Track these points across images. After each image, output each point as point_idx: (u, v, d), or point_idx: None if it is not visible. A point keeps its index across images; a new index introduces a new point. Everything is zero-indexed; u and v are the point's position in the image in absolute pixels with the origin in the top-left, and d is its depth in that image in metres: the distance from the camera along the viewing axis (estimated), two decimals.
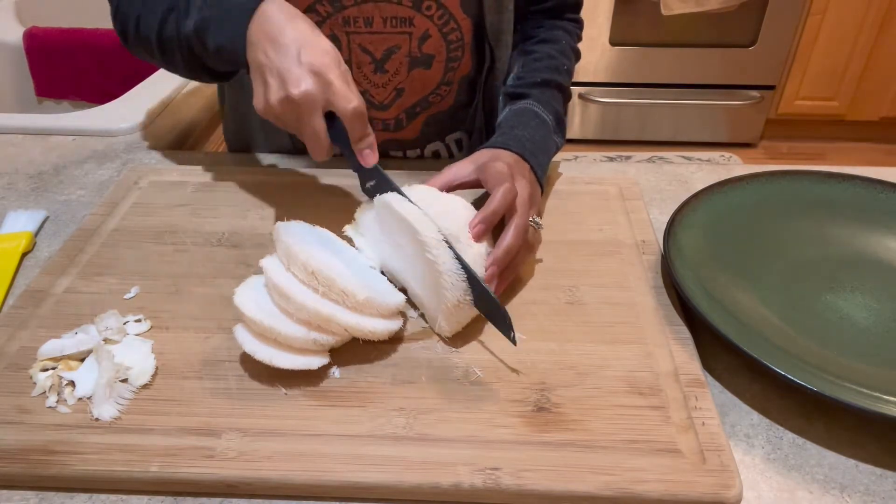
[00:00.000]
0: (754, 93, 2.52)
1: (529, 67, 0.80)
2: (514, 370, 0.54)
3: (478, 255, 0.57)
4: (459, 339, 0.57)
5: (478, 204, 0.61)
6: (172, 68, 0.75)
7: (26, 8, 1.48)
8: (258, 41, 0.60)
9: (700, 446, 0.47)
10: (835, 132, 2.65)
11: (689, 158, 2.55)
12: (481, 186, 0.64)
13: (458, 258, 0.55)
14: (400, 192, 0.60)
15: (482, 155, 0.67)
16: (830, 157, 2.62)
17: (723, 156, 2.61)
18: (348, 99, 0.57)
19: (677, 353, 0.55)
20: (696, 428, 0.49)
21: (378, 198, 0.60)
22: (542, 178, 0.70)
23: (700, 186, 0.71)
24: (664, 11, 2.31)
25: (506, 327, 0.54)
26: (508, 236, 0.59)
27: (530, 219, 0.62)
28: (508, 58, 0.83)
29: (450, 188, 0.65)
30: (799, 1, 2.31)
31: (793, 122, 2.62)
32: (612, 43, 2.44)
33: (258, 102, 0.61)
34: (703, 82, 2.52)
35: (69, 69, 1.36)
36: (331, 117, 0.60)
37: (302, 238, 0.57)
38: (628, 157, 2.57)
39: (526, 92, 0.78)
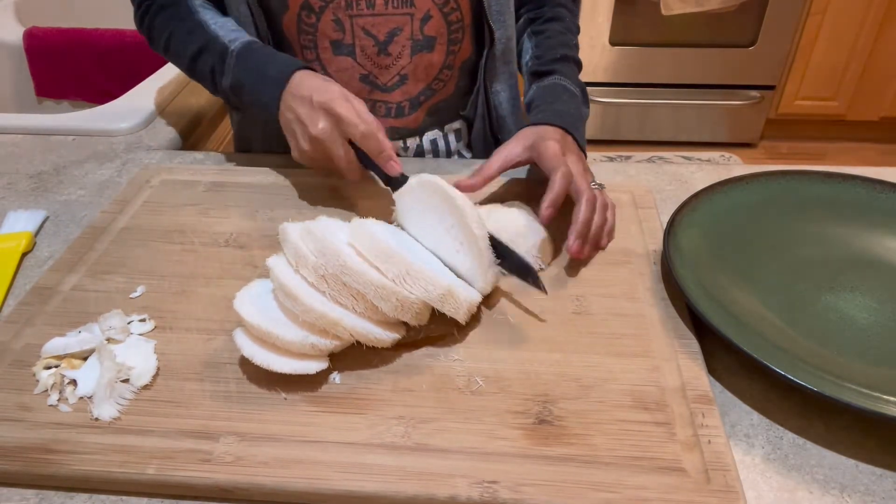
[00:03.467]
0: (754, 93, 2.52)
1: (545, 45, 0.84)
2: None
3: (532, 247, 0.64)
4: (463, 346, 0.57)
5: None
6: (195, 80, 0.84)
7: (26, 8, 1.48)
8: (287, 103, 0.71)
9: (705, 465, 0.46)
10: (835, 132, 2.65)
11: (689, 158, 2.55)
12: (529, 163, 0.70)
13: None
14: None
15: (528, 134, 0.71)
16: (830, 157, 2.62)
17: (723, 156, 2.61)
18: (355, 125, 0.67)
19: (685, 368, 0.54)
20: (702, 446, 0.48)
21: (416, 178, 0.64)
22: (584, 148, 0.75)
23: (700, 186, 0.71)
24: (664, 11, 2.31)
25: (533, 279, 0.59)
26: (582, 210, 0.64)
27: (591, 184, 0.67)
28: (509, 40, 0.84)
29: (504, 170, 0.70)
30: (799, 1, 2.31)
31: (793, 122, 2.62)
32: (612, 43, 2.44)
33: (294, 153, 0.73)
34: (703, 82, 2.52)
35: (69, 69, 1.36)
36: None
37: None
38: (628, 157, 2.57)
39: (551, 68, 0.82)
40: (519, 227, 0.65)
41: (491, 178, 0.69)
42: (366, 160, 0.70)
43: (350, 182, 0.72)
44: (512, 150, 0.70)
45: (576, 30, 0.89)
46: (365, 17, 0.77)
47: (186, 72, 0.83)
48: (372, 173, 0.71)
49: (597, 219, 0.66)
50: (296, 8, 0.77)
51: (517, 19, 0.88)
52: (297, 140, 0.71)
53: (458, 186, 0.66)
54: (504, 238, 0.63)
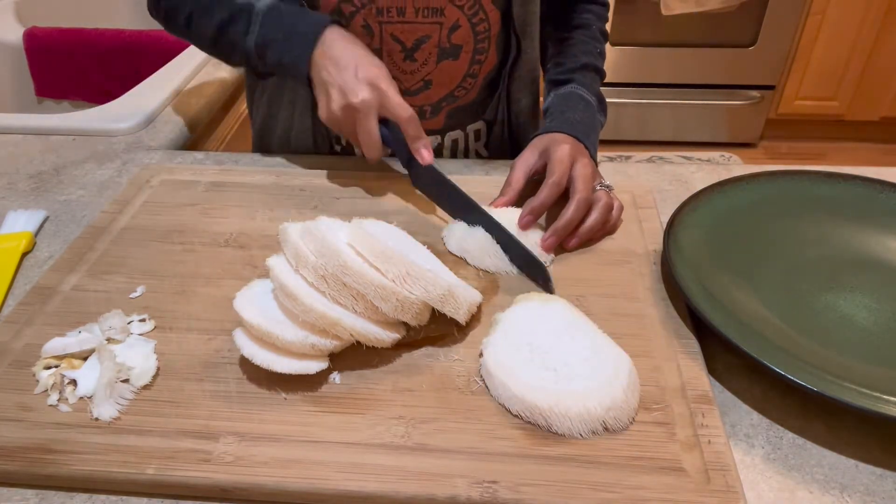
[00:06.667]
0: (754, 93, 2.52)
1: (567, 53, 0.86)
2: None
3: (533, 245, 0.65)
4: (463, 346, 0.57)
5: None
6: (215, 56, 0.84)
7: (26, 8, 1.48)
8: (322, 62, 0.71)
9: (705, 465, 0.46)
10: (835, 132, 2.65)
11: (689, 158, 2.55)
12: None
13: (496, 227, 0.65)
14: (453, 187, 0.69)
15: (541, 141, 0.73)
16: (830, 157, 2.62)
17: (723, 156, 2.61)
18: (404, 107, 0.69)
19: (685, 368, 0.54)
20: (702, 446, 0.48)
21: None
22: (595, 156, 0.76)
23: (700, 186, 0.71)
24: (664, 11, 2.31)
25: (542, 277, 0.62)
26: (569, 211, 0.66)
27: (598, 184, 0.69)
28: (534, 50, 0.85)
29: (528, 179, 0.72)
30: (799, 1, 2.31)
31: (793, 122, 2.62)
32: (612, 43, 2.43)
33: (322, 112, 0.72)
34: (703, 82, 2.52)
35: (69, 69, 1.36)
36: (382, 122, 0.70)
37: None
38: (628, 157, 2.57)
39: (569, 77, 0.83)
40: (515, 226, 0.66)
41: (520, 190, 0.71)
42: (390, 141, 0.71)
43: (367, 159, 0.72)
44: (528, 158, 0.72)
45: (602, 37, 0.89)
46: (395, 24, 0.78)
47: (209, 45, 0.81)
48: (393, 154, 0.74)
49: (594, 218, 0.67)
50: (327, 11, 0.77)
51: (543, 26, 0.88)
52: (329, 102, 0.71)
53: (496, 205, 0.70)
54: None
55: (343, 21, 0.77)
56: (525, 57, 0.84)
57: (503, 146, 0.91)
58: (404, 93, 0.84)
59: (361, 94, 0.68)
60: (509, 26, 0.82)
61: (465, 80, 0.85)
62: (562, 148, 0.69)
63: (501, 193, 0.71)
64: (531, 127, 0.92)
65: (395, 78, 0.82)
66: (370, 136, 0.70)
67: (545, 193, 0.67)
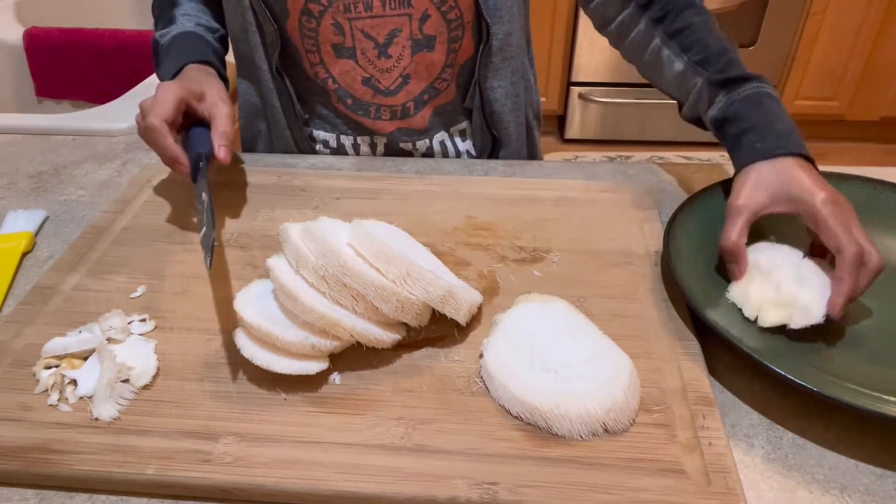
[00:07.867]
0: None
1: (702, 44, 0.72)
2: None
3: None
4: (464, 347, 0.57)
5: None
6: None
7: (26, 8, 1.48)
8: None
9: (706, 467, 0.46)
10: (835, 132, 2.65)
11: (689, 158, 2.55)
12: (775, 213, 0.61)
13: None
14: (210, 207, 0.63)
15: (771, 178, 0.61)
16: (830, 157, 2.62)
17: (723, 156, 2.60)
18: (143, 118, 0.69)
19: (686, 369, 0.54)
20: (703, 448, 0.47)
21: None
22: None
23: (700, 186, 0.71)
24: None
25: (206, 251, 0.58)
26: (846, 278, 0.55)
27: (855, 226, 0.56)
28: (507, 35, 0.82)
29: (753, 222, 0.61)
30: (799, 1, 2.31)
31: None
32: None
33: None
34: None
35: (69, 69, 1.36)
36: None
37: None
38: (628, 158, 2.57)
39: (738, 74, 0.69)
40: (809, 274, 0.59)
41: (743, 245, 0.60)
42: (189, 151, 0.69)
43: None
44: (756, 200, 0.60)
45: (705, 9, 0.76)
46: (363, 20, 0.77)
47: None
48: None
49: (862, 281, 0.56)
50: (296, 13, 0.77)
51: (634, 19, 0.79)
52: None
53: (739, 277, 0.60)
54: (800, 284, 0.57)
55: (313, 21, 0.77)
56: (496, 43, 0.81)
57: (483, 138, 0.89)
58: (383, 93, 0.83)
59: (142, 119, 0.69)
60: (482, 12, 0.79)
61: (444, 72, 0.84)
62: (823, 208, 0.57)
63: (731, 260, 0.60)
64: (511, 119, 0.88)
65: (372, 78, 0.82)
66: (165, 151, 0.68)
67: (864, 281, 0.55)
